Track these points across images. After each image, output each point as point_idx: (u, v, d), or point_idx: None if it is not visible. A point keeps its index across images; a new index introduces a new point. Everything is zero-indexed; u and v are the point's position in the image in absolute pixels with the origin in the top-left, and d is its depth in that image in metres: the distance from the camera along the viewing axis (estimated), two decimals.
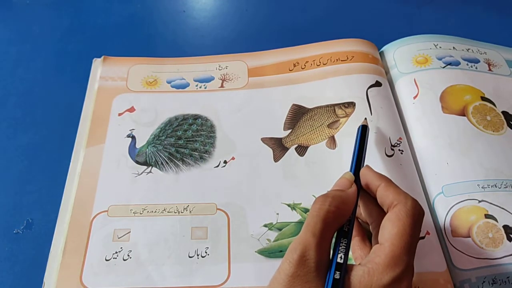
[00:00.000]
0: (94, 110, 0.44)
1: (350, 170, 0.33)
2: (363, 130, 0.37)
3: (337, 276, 0.25)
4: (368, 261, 0.27)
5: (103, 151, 0.41)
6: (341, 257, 0.27)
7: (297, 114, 0.44)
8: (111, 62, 0.48)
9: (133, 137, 0.42)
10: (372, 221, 0.31)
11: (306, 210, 0.38)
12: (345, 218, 0.29)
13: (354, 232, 0.33)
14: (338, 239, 0.28)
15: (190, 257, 0.35)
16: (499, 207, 0.37)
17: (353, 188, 0.31)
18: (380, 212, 0.30)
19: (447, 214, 0.37)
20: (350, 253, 0.33)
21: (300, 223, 0.37)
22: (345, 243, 0.28)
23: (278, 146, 0.42)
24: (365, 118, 0.40)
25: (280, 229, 0.37)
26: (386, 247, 0.27)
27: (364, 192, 0.32)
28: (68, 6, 0.56)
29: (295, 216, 0.38)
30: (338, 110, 0.43)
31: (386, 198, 0.29)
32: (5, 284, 0.35)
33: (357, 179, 0.32)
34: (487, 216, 0.36)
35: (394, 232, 0.27)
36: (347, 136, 0.42)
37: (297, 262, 0.26)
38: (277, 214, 0.38)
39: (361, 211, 0.33)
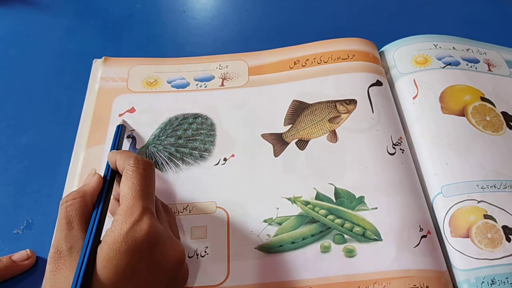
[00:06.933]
0: (95, 110, 0.44)
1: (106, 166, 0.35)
2: (120, 129, 0.40)
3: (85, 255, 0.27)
4: (112, 222, 0.29)
5: (103, 152, 0.41)
6: (88, 239, 0.28)
7: (298, 109, 0.44)
8: (111, 62, 0.48)
9: (133, 138, 0.42)
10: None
11: (306, 203, 0.38)
12: (86, 205, 0.31)
13: None
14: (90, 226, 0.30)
15: (189, 257, 0.36)
16: (498, 207, 0.37)
17: (94, 179, 0.33)
18: None
19: (446, 214, 0.37)
20: None
21: (301, 216, 0.37)
22: (93, 226, 0.29)
23: (279, 141, 0.42)
24: (123, 119, 0.42)
25: (280, 224, 0.37)
26: (122, 204, 0.29)
27: (119, 175, 0.34)
28: (68, 6, 0.56)
29: (295, 210, 0.38)
30: (339, 106, 0.43)
31: (120, 167, 0.32)
32: (5, 284, 0.35)
33: (113, 173, 0.34)
34: (486, 216, 0.37)
35: (125, 189, 0.30)
36: (348, 131, 0.41)
37: (53, 257, 0.28)
38: (277, 208, 0.38)
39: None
